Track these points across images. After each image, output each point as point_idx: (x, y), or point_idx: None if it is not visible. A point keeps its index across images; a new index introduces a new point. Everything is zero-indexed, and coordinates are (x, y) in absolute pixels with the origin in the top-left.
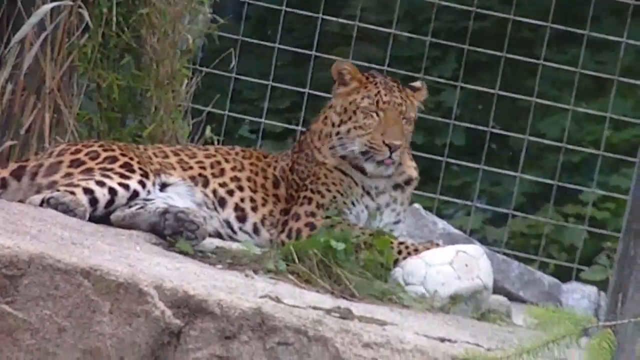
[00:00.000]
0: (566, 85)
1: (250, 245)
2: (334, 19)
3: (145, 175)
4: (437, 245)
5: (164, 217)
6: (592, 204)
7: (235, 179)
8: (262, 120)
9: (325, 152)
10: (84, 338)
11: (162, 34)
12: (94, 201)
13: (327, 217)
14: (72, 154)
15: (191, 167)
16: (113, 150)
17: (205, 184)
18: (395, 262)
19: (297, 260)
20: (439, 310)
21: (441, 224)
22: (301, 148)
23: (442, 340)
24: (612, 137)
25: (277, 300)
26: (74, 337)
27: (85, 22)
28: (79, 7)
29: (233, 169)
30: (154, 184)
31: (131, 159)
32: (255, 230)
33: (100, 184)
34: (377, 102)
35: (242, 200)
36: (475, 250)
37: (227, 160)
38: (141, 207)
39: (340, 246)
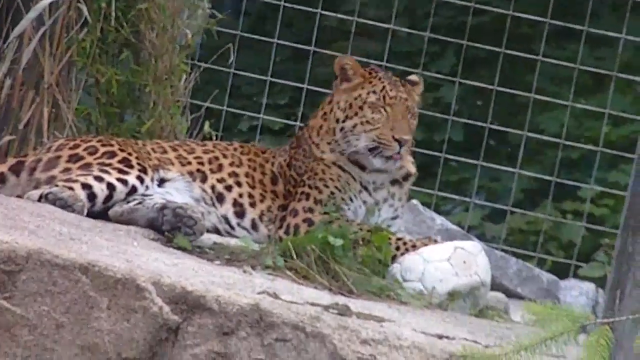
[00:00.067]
0: (565, 81)
1: (249, 241)
2: (332, 14)
3: (143, 170)
4: (435, 241)
5: (162, 213)
6: (591, 200)
7: (233, 174)
8: (261, 115)
9: (323, 148)
10: (82, 334)
11: (161, 29)
12: (92, 196)
13: (325, 213)
14: (70, 149)
15: (189, 163)
16: (111, 145)
17: (204, 179)
18: (393, 259)
19: (295, 257)
20: (437, 307)
21: (439, 220)
22: (299, 144)
23: (440, 336)
24: (611, 133)
25: (275, 296)
26: (72, 333)
27: (84, 17)
28: (78, 1)
29: (231, 164)
30: (152, 180)
31: (129, 154)
32: (254, 226)
33: (99, 179)
34: (384, 97)
35: (240, 196)
36: (473, 246)
37: (225, 156)
38: (139, 203)
39: (338, 242)
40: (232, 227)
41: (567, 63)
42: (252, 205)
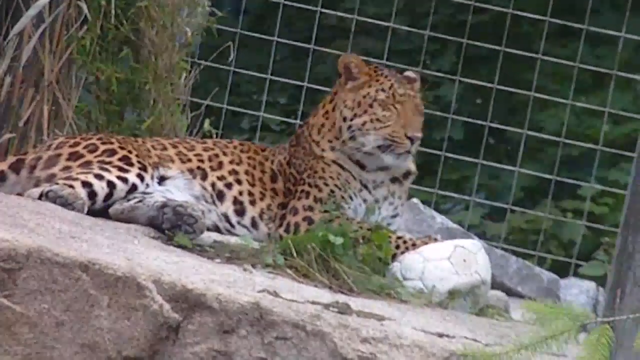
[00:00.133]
0: (565, 80)
1: (249, 239)
2: (332, 12)
3: (143, 168)
4: (435, 240)
5: (162, 211)
6: (591, 198)
7: (233, 172)
8: (261, 113)
9: (324, 146)
10: (82, 332)
11: (160, 27)
12: (92, 194)
13: (325, 211)
14: (70, 147)
15: (190, 160)
16: (111, 143)
17: (204, 177)
18: (394, 257)
19: (295, 255)
20: (437, 306)
21: (439, 218)
22: (298, 141)
23: (440, 335)
24: (611, 132)
25: (276, 294)
26: (72, 331)
27: (84, 15)
28: None
29: (231, 162)
30: (152, 177)
31: (129, 152)
32: (254, 224)
33: (99, 177)
34: (393, 94)
35: (240, 193)
36: (473, 245)
37: (225, 154)
38: (140, 201)
39: (339, 241)
40: (232, 226)
41: (567, 61)
42: (252, 203)
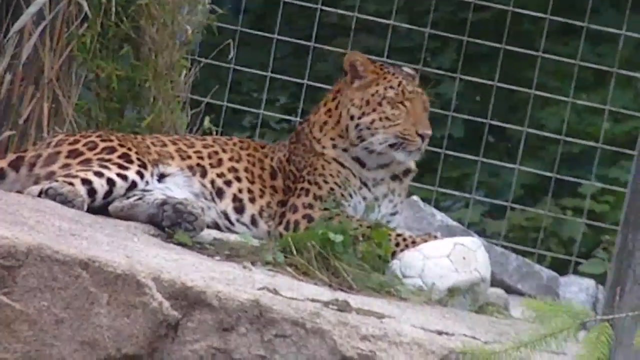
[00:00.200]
0: (566, 77)
1: (248, 237)
2: (333, 10)
3: (143, 165)
4: (435, 237)
5: (162, 209)
6: (591, 196)
7: (232, 169)
8: (261, 111)
9: (325, 143)
10: (82, 329)
11: (161, 25)
12: (92, 192)
13: (325, 209)
14: (70, 144)
15: (189, 157)
16: (111, 140)
17: (203, 174)
18: (393, 255)
19: (295, 252)
20: (437, 303)
21: (439, 216)
22: (298, 139)
23: (440, 333)
24: (612, 130)
25: (275, 292)
26: (72, 329)
27: (84, 12)
28: None
29: (230, 159)
30: (152, 175)
31: (129, 149)
32: (253, 221)
33: (99, 174)
34: (403, 91)
35: (239, 191)
36: (472, 242)
37: (224, 151)
38: (139, 198)
39: (338, 238)
40: (231, 223)
41: (568, 59)
42: (252, 200)
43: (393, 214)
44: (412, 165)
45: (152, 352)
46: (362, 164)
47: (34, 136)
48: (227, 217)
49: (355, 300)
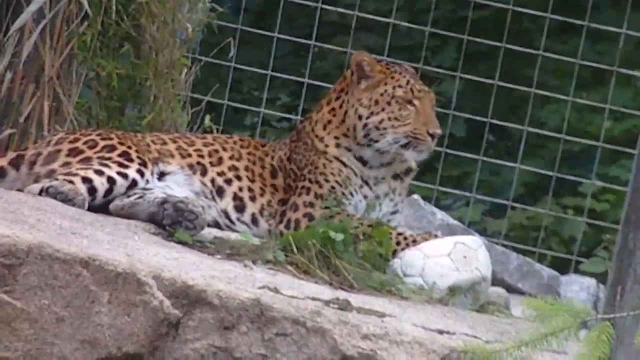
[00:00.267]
0: (566, 76)
1: (249, 235)
2: (333, 8)
3: (143, 164)
4: (436, 236)
5: (162, 207)
6: (592, 195)
7: (233, 168)
8: (261, 110)
9: (328, 142)
10: (83, 328)
11: (161, 23)
12: (92, 190)
13: (326, 207)
14: (70, 142)
15: (190, 155)
16: (111, 139)
17: (204, 172)
18: (394, 253)
19: (295, 251)
20: (438, 302)
21: (440, 214)
22: (299, 137)
23: (441, 332)
24: (612, 128)
25: (276, 291)
26: (73, 327)
27: (85, 10)
28: None
29: (231, 157)
30: (152, 173)
31: (129, 147)
32: (254, 220)
33: (99, 173)
34: (412, 90)
35: (240, 189)
36: (473, 241)
37: (225, 149)
38: (140, 197)
39: (339, 237)
40: (232, 222)
41: (568, 58)
42: (252, 199)
43: (394, 213)
44: (413, 164)
45: (153, 350)
46: (365, 163)
47: (34, 134)
48: (227, 216)
49: (356, 299)
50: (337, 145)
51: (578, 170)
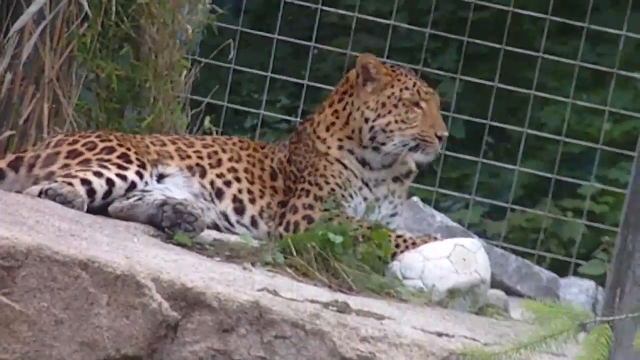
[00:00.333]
0: (565, 78)
1: (248, 237)
2: (333, 10)
3: (142, 166)
4: (435, 238)
5: (162, 209)
6: (591, 197)
7: (232, 169)
8: (261, 111)
9: (330, 143)
10: (82, 330)
11: (161, 24)
12: (91, 192)
13: (325, 210)
14: (69, 144)
15: (189, 156)
16: (110, 140)
17: (203, 174)
18: (393, 256)
19: (295, 253)
20: (437, 305)
21: (439, 217)
22: (299, 138)
23: (440, 334)
24: (611, 130)
25: (275, 293)
26: (72, 329)
27: (85, 12)
28: None
29: (230, 159)
30: (151, 175)
31: (128, 149)
32: (253, 222)
33: (98, 174)
34: (418, 92)
35: (239, 191)
36: (472, 244)
37: (224, 151)
38: (139, 199)
39: (338, 239)
40: (231, 224)
41: (568, 59)
42: (252, 201)
43: (393, 215)
44: (413, 166)
45: (152, 353)
46: (366, 164)
47: (34, 136)
48: (226, 218)
49: (355, 301)
50: (340, 147)
51: (577, 172)
